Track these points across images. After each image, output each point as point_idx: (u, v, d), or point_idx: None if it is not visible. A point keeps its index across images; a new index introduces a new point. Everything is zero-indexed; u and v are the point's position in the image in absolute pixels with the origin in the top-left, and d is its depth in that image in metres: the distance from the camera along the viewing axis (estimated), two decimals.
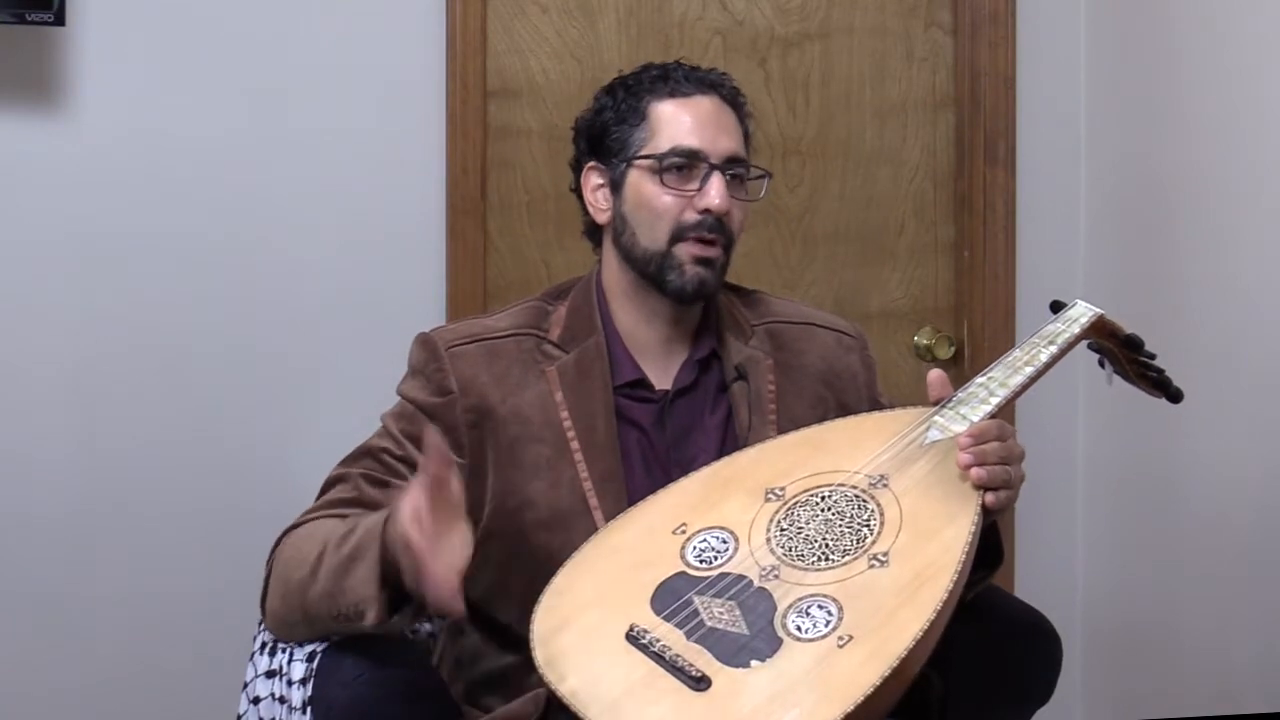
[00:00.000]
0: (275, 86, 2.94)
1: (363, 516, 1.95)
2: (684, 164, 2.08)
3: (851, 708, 1.69)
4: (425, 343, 2.15)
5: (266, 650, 2.08)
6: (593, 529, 2.00)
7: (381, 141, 2.99)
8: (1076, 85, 3.26)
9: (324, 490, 2.10)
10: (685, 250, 2.09)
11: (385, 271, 3.00)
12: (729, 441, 2.12)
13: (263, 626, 2.10)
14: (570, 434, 2.08)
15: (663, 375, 2.15)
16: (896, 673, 1.73)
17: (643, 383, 2.13)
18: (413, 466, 2.04)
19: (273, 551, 2.05)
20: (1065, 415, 3.26)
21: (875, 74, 3.23)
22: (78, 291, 2.87)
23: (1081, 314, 2.10)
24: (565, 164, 2.24)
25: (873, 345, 2.32)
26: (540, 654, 1.81)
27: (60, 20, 2.73)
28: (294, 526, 2.05)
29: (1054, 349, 2.04)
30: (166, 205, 2.90)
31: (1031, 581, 3.19)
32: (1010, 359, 2.03)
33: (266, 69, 2.94)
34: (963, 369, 3.18)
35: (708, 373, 2.17)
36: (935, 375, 2.00)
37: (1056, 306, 2.14)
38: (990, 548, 2.01)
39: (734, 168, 2.11)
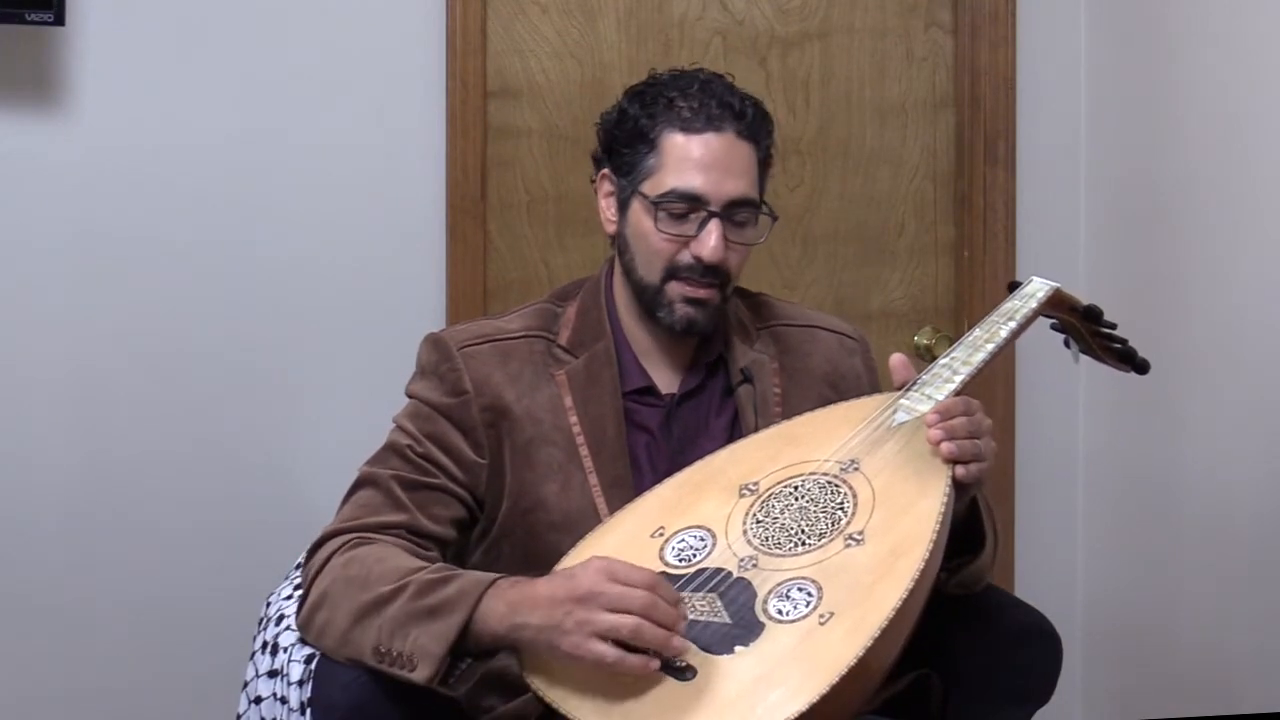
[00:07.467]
0: (275, 86, 2.94)
1: (459, 573, 1.87)
2: (683, 209, 2.04)
3: (836, 679, 1.71)
4: (437, 343, 2.12)
5: (268, 650, 2.08)
6: None
7: (382, 141, 2.99)
8: (1076, 85, 3.26)
9: (354, 490, 2.05)
10: (677, 289, 2.07)
11: (385, 271, 3.00)
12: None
13: (263, 626, 2.10)
14: (580, 439, 2.08)
15: (669, 379, 2.15)
16: (879, 644, 1.74)
17: (650, 389, 2.13)
18: (435, 464, 2.04)
19: (312, 554, 1.98)
20: (1065, 415, 3.26)
21: (875, 74, 3.23)
22: (77, 292, 2.87)
23: (1038, 289, 2.12)
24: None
25: (873, 345, 2.32)
26: (526, 661, 1.83)
27: (60, 20, 2.73)
28: (340, 534, 1.97)
29: (1013, 325, 2.07)
30: (166, 205, 2.90)
31: (1031, 581, 3.19)
32: (971, 338, 2.05)
33: (266, 69, 2.94)
34: None
35: (714, 376, 2.16)
36: (897, 359, 2.01)
37: (1013, 286, 2.17)
38: (973, 531, 2.02)
39: (737, 211, 2.06)
